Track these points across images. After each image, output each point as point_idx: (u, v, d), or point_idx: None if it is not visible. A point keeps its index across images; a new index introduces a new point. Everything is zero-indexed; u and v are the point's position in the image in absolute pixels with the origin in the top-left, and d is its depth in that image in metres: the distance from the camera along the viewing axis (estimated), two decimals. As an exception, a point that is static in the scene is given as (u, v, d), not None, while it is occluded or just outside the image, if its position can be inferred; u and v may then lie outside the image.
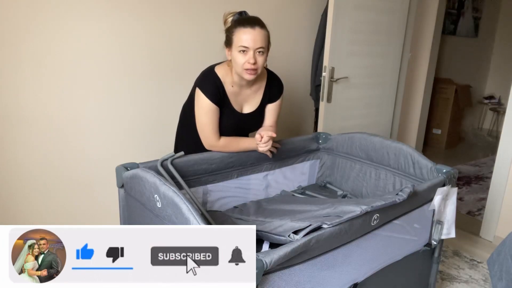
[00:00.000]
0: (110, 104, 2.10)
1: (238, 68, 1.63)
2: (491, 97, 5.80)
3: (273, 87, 1.82)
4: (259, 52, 1.60)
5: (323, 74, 2.56)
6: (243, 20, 1.61)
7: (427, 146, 4.82)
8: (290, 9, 2.69)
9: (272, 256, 1.02)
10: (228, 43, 1.64)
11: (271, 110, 1.85)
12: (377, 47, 2.84)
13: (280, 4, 2.63)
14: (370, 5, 2.68)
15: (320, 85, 2.66)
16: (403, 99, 3.36)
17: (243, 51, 1.59)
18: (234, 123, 1.76)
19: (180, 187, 1.62)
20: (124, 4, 2.02)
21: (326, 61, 2.53)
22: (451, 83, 4.84)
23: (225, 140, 1.75)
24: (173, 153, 1.63)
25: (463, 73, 5.39)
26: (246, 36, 1.58)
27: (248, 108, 1.80)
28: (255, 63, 1.59)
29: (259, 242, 1.52)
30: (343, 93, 2.68)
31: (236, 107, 1.75)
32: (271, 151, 1.84)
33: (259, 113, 1.83)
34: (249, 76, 1.63)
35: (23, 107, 1.86)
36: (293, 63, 2.82)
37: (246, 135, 1.91)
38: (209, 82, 1.68)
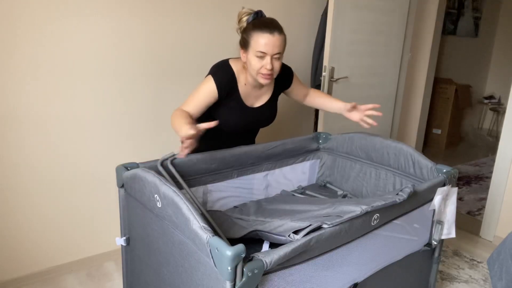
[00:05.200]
0: (110, 104, 2.10)
1: (253, 72, 1.61)
2: (491, 97, 5.80)
3: (282, 78, 1.82)
4: (276, 57, 1.59)
5: (323, 74, 2.56)
6: (262, 23, 1.57)
7: (427, 146, 4.83)
8: (290, 9, 2.70)
9: (272, 256, 1.02)
10: (245, 45, 1.61)
11: (295, 87, 1.90)
12: (377, 47, 2.84)
13: (280, 4, 2.63)
14: (370, 5, 2.68)
15: (320, 85, 2.66)
16: (403, 99, 3.36)
17: (261, 56, 1.57)
18: (244, 117, 1.76)
19: (180, 187, 1.61)
20: (123, 4, 2.02)
21: (326, 61, 2.53)
22: (451, 83, 4.84)
23: (176, 111, 1.58)
24: (173, 153, 1.63)
25: (463, 73, 5.40)
26: (264, 41, 1.54)
27: (259, 102, 1.80)
28: (271, 69, 1.58)
29: (259, 242, 1.52)
30: (343, 93, 2.68)
31: (246, 102, 1.75)
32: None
33: (270, 105, 1.82)
34: (264, 81, 1.62)
35: (22, 107, 1.86)
36: (293, 63, 2.80)
37: (256, 130, 1.93)
38: (224, 74, 1.66)
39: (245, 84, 1.71)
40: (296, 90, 1.93)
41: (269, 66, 1.57)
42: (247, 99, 1.74)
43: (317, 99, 1.97)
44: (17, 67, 1.81)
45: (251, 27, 1.59)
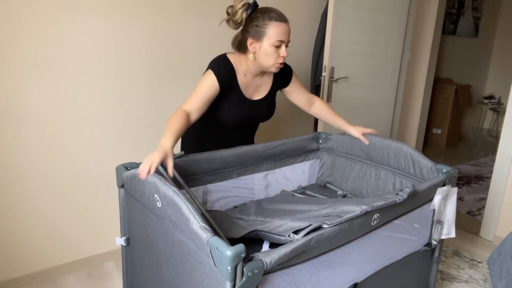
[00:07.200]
0: (110, 103, 2.10)
1: (269, 61, 1.65)
2: (491, 97, 5.81)
3: (281, 73, 1.84)
4: (287, 45, 1.67)
5: (323, 74, 2.56)
6: (275, 13, 1.63)
7: (427, 146, 4.83)
8: (290, 9, 2.70)
9: (272, 256, 1.02)
10: (258, 35, 1.62)
11: (295, 88, 1.91)
12: (377, 47, 2.84)
13: (280, 4, 2.63)
14: (370, 5, 2.68)
15: (320, 85, 2.66)
16: (403, 99, 3.36)
17: (278, 46, 1.62)
18: (244, 110, 1.76)
19: (180, 187, 1.61)
20: (124, 4, 2.02)
21: (326, 61, 2.54)
22: (451, 83, 4.84)
23: (175, 113, 1.54)
24: (173, 153, 1.63)
25: (463, 73, 5.40)
26: (282, 30, 1.60)
27: (258, 95, 1.81)
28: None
29: (259, 242, 1.52)
30: (343, 93, 2.68)
31: (246, 94, 1.76)
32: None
33: (268, 99, 1.84)
34: (277, 70, 1.68)
35: (22, 106, 1.86)
36: (293, 63, 2.82)
37: (256, 126, 1.93)
38: (223, 66, 1.67)
39: (245, 75, 1.73)
40: (297, 93, 1.93)
41: (285, 53, 1.63)
42: (246, 90, 1.76)
43: (324, 114, 2.01)
44: (17, 67, 1.81)
45: (263, 17, 1.61)
